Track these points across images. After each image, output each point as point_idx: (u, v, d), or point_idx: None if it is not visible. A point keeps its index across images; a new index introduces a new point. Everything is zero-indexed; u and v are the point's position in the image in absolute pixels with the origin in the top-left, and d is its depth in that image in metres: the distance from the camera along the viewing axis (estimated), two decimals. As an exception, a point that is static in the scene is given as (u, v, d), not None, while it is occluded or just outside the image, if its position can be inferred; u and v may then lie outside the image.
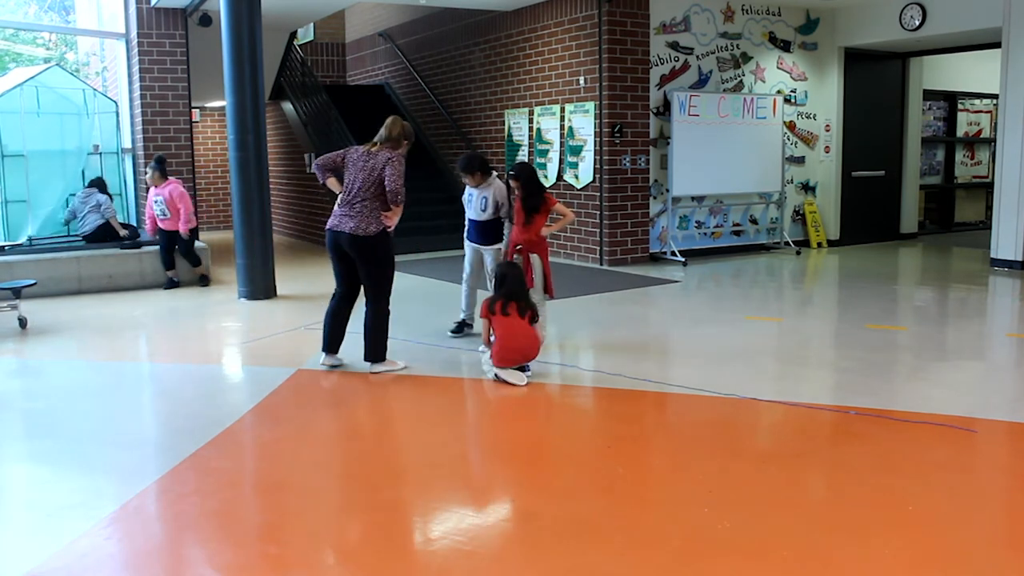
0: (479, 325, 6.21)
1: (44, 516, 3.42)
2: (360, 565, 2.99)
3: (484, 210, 6.14)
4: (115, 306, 8.01)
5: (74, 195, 9.54)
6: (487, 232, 6.22)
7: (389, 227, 5.24)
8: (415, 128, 5.36)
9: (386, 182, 5.14)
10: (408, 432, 4.49)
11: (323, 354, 5.57)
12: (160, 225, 8.86)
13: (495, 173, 6.28)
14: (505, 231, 6.24)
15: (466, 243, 6.37)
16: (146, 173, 9.13)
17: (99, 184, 9.40)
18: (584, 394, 5.12)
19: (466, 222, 6.35)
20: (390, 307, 5.44)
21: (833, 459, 3.99)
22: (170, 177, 8.98)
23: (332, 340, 5.55)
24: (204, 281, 9.14)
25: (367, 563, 3.00)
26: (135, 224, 9.98)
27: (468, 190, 6.23)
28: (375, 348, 5.44)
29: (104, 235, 9.20)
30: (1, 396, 5.30)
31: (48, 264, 8.60)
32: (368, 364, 5.47)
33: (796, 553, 3.00)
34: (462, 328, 6.40)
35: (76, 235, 9.36)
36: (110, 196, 9.47)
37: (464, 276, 6.43)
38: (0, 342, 6.62)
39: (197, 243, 9.24)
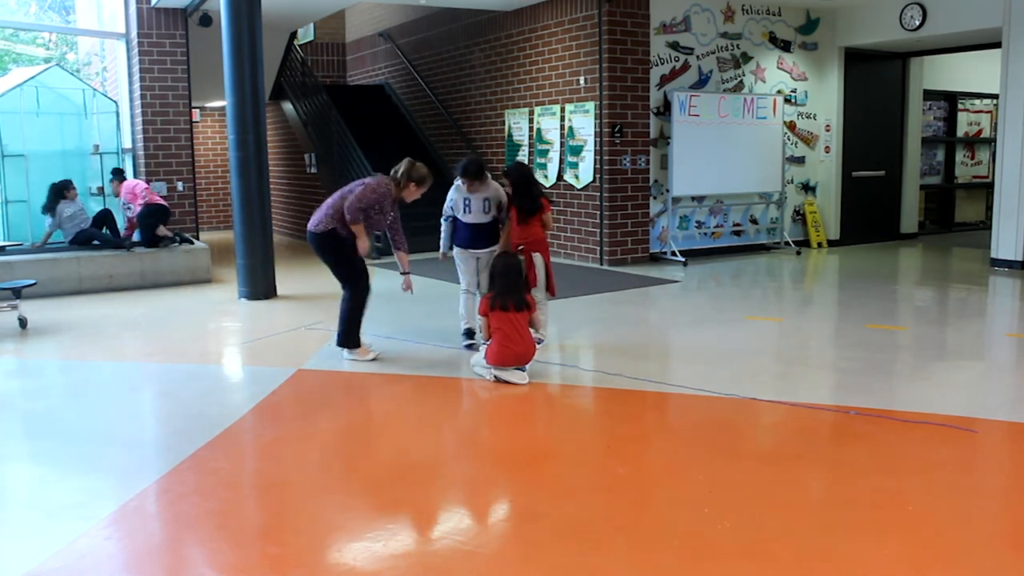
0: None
1: (44, 516, 3.42)
2: (360, 565, 2.99)
3: (487, 212, 6.01)
4: (115, 306, 8.01)
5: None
6: (489, 235, 6.08)
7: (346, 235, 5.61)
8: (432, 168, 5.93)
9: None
10: (408, 432, 4.49)
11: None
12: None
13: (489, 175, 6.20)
14: (502, 231, 6.11)
15: (461, 251, 6.10)
16: (111, 180, 9.50)
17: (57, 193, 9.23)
18: (584, 394, 5.12)
19: (458, 228, 6.10)
20: (365, 298, 5.79)
21: (833, 459, 3.99)
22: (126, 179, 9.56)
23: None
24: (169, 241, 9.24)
25: (367, 563, 2.99)
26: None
27: (462, 195, 6.01)
28: (343, 334, 5.77)
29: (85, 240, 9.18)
30: (1, 396, 5.31)
31: (48, 264, 8.60)
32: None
33: (796, 553, 2.99)
34: (472, 335, 6.12)
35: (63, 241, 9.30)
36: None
37: (463, 286, 6.15)
38: (0, 342, 6.62)
39: (197, 244, 9.27)
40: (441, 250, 6.27)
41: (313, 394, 5.23)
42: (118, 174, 9.53)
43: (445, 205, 6.15)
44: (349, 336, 5.76)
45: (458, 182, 6.04)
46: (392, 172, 5.72)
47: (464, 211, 6.04)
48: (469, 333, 6.14)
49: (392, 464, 4.00)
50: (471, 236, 6.06)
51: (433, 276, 9.24)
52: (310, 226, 5.68)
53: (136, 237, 9.30)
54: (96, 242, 9.09)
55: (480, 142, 12.12)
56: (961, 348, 6.27)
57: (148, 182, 10.00)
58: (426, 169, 5.79)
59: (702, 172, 10.34)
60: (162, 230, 9.17)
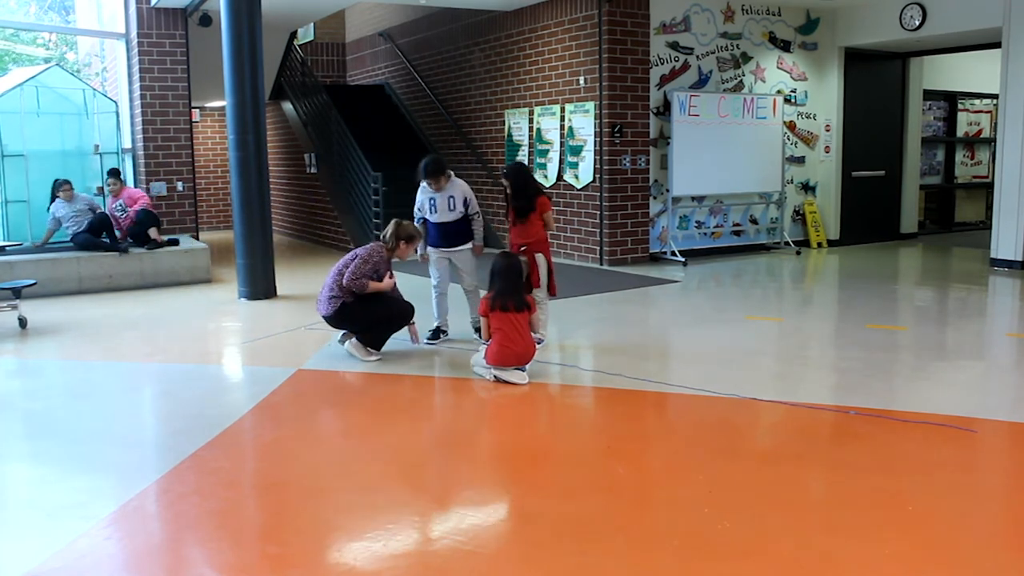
0: (455, 330, 6.34)
1: (44, 516, 3.42)
2: (360, 565, 2.99)
3: (452, 210, 6.08)
4: (115, 306, 8.01)
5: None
6: (457, 233, 6.15)
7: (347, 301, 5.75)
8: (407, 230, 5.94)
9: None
10: (408, 432, 4.49)
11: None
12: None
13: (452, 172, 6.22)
14: (475, 227, 6.18)
15: (431, 251, 6.24)
16: (111, 184, 9.54)
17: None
18: (584, 394, 5.12)
19: (428, 229, 6.18)
20: (403, 313, 5.95)
21: (833, 459, 3.99)
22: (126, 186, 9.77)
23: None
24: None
25: (367, 563, 2.99)
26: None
27: (428, 195, 6.10)
28: (372, 335, 5.86)
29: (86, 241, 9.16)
30: (1, 396, 5.31)
31: (48, 264, 8.60)
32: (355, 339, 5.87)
33: (796, 553, 3.00)
34: (438, 335, 6.29)
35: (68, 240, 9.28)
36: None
37: (434, 283, 6.28)
38: (0, 342, 6.62)
39: (196, 243, 9.27)
40: (419, 252, 6.26)
41: (313, 394, 5.23)
42: (115, 174, 9.57)
43: (415, 207, 6.25)
44: (375, 338, 5.83)
45: (424, 183, 6.09)
46: (380, 237, 5.87)
47: (430, 211, 6.13)
48: (436, 332, 6.27)
49: (392, 464, 4.00)
50: (439, 235, 6.17)
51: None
52: (321, 312, 5.79)
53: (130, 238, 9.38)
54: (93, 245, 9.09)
55: (480, 142, 12.12)
56: (961, 348, 6.27)
57: (147, 187, 10.21)
58: (413, 226, 5.93)
59: (702, 172, 10.34)
60: (154, 232, 9.18)
